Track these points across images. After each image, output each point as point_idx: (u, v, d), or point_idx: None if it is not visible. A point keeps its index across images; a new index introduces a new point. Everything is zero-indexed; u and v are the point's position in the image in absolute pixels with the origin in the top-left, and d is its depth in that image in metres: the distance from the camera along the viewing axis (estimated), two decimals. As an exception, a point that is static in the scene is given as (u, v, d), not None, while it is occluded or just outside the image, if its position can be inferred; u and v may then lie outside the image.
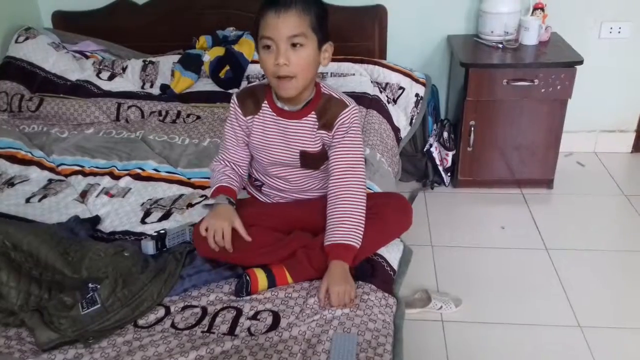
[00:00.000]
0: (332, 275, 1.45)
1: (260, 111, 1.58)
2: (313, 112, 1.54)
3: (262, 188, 1.72)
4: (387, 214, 1.61)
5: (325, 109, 1.54)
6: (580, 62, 2.47)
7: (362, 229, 1.51)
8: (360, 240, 1.51)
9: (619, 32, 2.81)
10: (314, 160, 1.62)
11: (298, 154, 1.59)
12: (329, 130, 1.54)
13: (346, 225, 1.50)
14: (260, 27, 1.42)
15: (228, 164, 1.66)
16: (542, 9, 2.66)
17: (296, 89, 1.48)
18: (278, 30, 1.38)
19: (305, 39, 1.41)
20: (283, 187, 1.68)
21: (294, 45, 1.41)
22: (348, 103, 1.54)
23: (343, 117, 1.52)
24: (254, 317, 1.41)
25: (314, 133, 1.56)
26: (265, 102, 1.58)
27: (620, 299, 2.06)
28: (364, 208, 1.54)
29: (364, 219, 1.53)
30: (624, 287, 2.12)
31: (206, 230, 1.52)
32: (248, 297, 1.48)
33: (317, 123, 1.55)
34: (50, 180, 2.06)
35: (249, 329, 1.38)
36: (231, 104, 1.62)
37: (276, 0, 1.39)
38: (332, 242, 1.49)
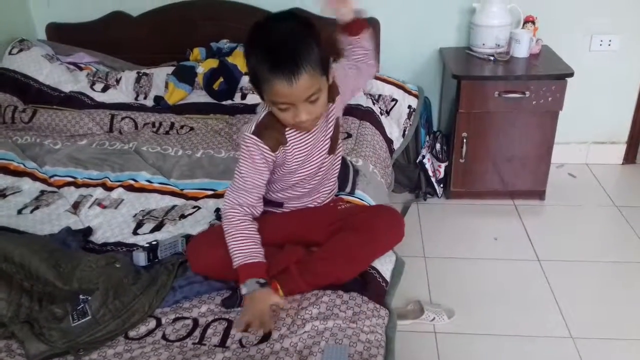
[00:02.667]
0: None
1: (288, 140, 1.52)
2: (330, 103, 1.54)
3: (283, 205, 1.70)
4: (378, 227, 1.59)
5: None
6: (571, 75, 2.50)
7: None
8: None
9: (609, 44, 2.84)
10: (335, 140, 1.64)
11: (327, 149, 1.61)
12: (340, 51, 1.63)
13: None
14: (269, 92, 1.36)
15: (248, 209, 1.54)
16: (533, 22, 2.69)
17: (318, 122, 1.50)
18: (293, 96, 1.34)
19: (320, 89, 1.38)
20: (307, 189, 1.66)
21: (311, 101, 1.38)
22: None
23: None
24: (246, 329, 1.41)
25: (327, 120, 1.58)
26: (286, 129, 1.51)
27: (612, 310, 2.06)
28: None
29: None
30: (616, 298, 2.13)
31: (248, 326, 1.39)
32: (239, 309, 1.47)
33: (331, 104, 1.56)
34: (42, 192, 2.06)
35: (240, 341, 1.37)
36: (251, 145, 1.48)
37: (282, 65, 1.30)
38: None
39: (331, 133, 1.61)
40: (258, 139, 1.48)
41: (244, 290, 1.45)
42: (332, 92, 1.52)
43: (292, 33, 1.33)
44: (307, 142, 1.55)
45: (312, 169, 1.61)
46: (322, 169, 1.65)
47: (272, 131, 1.49)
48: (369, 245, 1.58)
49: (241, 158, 1.51)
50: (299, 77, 1.30)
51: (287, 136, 1.52)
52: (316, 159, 1.60)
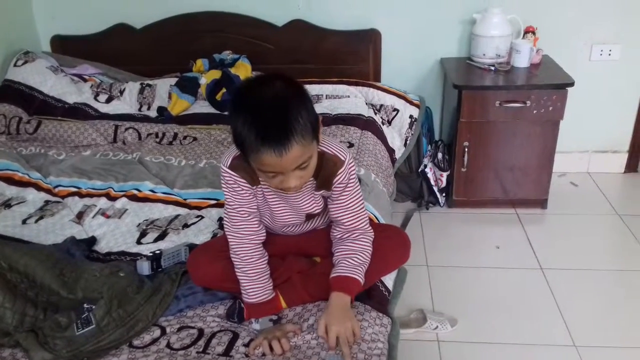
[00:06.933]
0: (330, 311, 1.38)
1: (260, 183, 1.44)
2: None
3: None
4: (386, 249, 1.58)
5: (320, 167, 1.40)
6: (572, 84, 2.51)
7: (366, 269, 1.48)
8: (364, 279, 1.47)
9: (609, 54, 2.85)
10: (318, 214, 1.57)
11: (304, 216, 1.54)
12: (328, 188, 1.45)
13: (353, 262, 1.46)
14: (256, 161, 1.26)
15: (253, 237, 1.49)
16: (534, 32, 2.71)
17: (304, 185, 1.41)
18: (283, 167, 1.25)
19: (311, 156, 1.29)
20: (287, 233, 1.64)
21: (302, 168, 1.29)
22: (343, 157, 1.42)
23: (341, 176, 1.43)
24: (250, 343, 1.40)
25: (315, 195, 1.49)
26: None
27: (615, 318, 2.06)
28: (371, 252, 1.51)
29: (369, 261, 1.50)
30: (619, 306, 2.13)
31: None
32: (246, 323, 1.48)
33: (314, 183, 1.46)
34: (47, 202, 2.07)
35: (244, 352, 1.38)
36: (228, 178, 1.43)
37: (272, 136, 1.20)
38: (338, 274, 1.45)
39: (312, 208, 1.51)
40: (233, 173, 1.41)
41: (257, 326, 1.45)
42: (330, 166, 1.42)
43: (280, 99, 1.23)
44: (272, 197, 1.48)
45: (275, 224, 1.56)
46: (296, 228, 1.60)
47: (247, 168, 1.39)
48: (375, 267, 1.56)
49: (224, 191, 1.46)
50: (289, 149, 1.20)
51: (260, 178, 1.43)
52: (281, 219, 1.53)
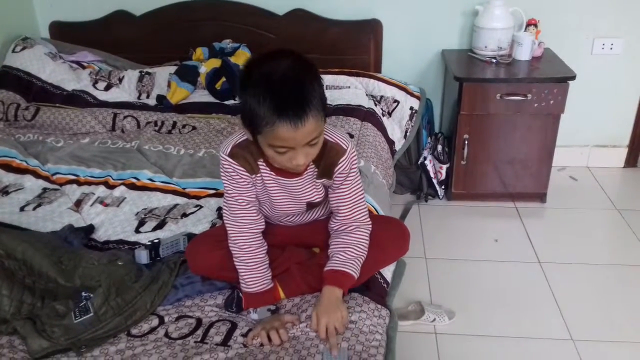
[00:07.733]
0: (321, 303, 1.41)
1: (260, 170, 1.45)
2: (311, 163, 1.43)
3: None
4: (385, 241, 1.58)
5: (322, 155, 1.40)
6: (573, 78, 2.50)
7: (362, 262, 1.49)
8: (359, 272, 1.48)
9: (611, 48, 2.84)
10: (319, 203, 1.57)
11: (304, 205, 1.54)
12: (329, 177, 1.46)
13: (347, 255, 1.47)
14: (269, 136, 1.24)
15: (252, 226, 1.49)
16: (536, 25, 2.69)
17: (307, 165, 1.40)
18: (296, 141, 1.25)
19: (321, 132, 1.30)
20: (287, 223, 1.64)
21: (311, 144, 1.29)
22: (345, 146, 1.42)
23: (342, 165, 1.43)
24: (248, 333, 1.40)
25: (316, 183, 1.49)
26: (261, 160, 1.43)
27: (613, 313, 2.07)
28: (367, 245, 1.51)
29: (365, 254, 1.50)
30: (617, 300, 2.13)
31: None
32: (245, 313, 1.48)
33: (316, 171, 1.46)
34: (44, 189, 2.07)
35: (242, 342, 1.38)
36: (227, 166, 1.43)
37: (289, 108, 1.20)
38: (331, 268, 1.46)
39: (313, 196, 1.51)
40: (232, 161, 1.42)
41: (255, 316, 1.46)
42: (333, 154, 1.43)
43: (295, 73, 1.24)
44: (271, 184, 1.47)
45: (274, 213, 1.56)
46: (296, 218, 1.61)
47: (247, 156, 1.41)
48: (374, 258, 1.57)
49: (223, 180, 1.46)
50: (305, 122, 1.21)
51: (259, 166, 1.44)
52: (281, 208, 1.53)
